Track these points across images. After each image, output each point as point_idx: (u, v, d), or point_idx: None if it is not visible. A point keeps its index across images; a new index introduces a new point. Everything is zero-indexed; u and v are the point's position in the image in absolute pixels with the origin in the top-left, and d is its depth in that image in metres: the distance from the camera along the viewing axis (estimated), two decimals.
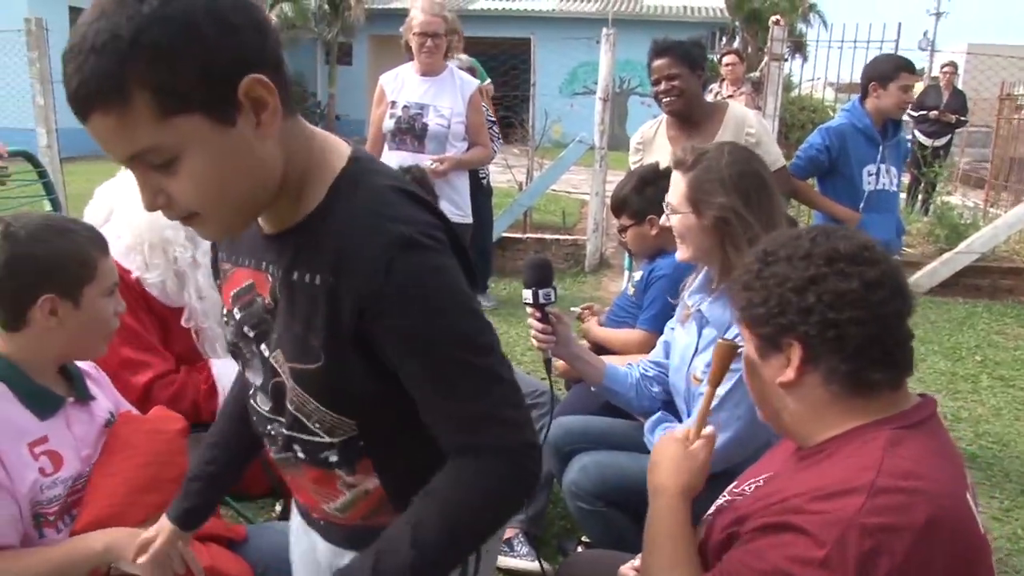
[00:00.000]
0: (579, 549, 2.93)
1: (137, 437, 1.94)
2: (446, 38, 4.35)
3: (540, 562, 2.53)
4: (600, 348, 2.93)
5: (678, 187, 2.21)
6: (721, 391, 2.13)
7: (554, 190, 10.53)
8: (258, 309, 1.28)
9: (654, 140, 3.71)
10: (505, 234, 7.91)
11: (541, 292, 2.19)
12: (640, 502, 2.24)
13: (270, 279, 1.24)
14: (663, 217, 2.29)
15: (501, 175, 9.92)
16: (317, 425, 1.26)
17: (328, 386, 1.20)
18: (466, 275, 1.22)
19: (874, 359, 1.31)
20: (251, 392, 1.39)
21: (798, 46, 17.25)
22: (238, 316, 1.33)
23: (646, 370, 2.49)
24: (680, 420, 2.34)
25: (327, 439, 1.27)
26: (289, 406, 1.26)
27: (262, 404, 1.35)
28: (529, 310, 2.24)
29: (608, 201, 4.43)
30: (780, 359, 1.37)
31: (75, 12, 17.47)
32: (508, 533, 2.95)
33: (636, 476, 2.27)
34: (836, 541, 1.17)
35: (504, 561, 2.84)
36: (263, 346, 1.28)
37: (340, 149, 1.23)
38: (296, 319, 1.20)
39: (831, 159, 4.14)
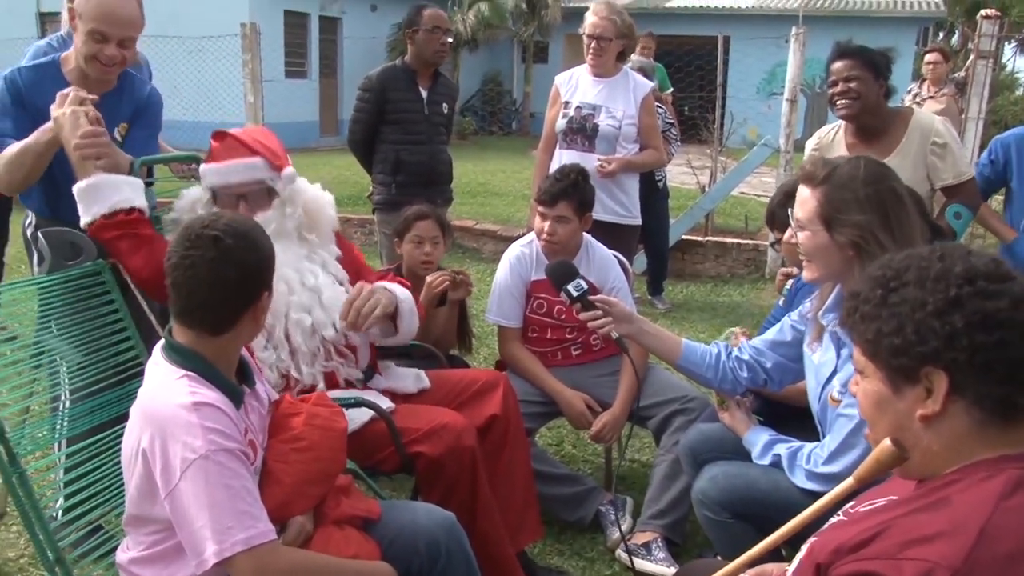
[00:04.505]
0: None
1: (310, 432, 2.02)
2: (617, 42, 4.35)
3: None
4: (781, 403, 2.78)
5: (807, 203, 2.12)
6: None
7: (741, 193, 10.31)
8: None
9: (831, 146, 3.57)
10: (685, 237, 7.80)
11: (570, 287, 2.45)
12: (767, 517, 2.22)
13: None
14: (787, 233, 2.22)
15: (686, 176, 9.81)
16: None
17: None
18: None
19: (1022, 381, 1.23)
20: None
21: None
22: None
23: (741, 352, 2.46)
24: (819, 437, 2.28)
25: None
26: None
27: None
28: (575, 308, 2.46)
29: None
30: (918, 391, 1.28)
31: (289, 15, 18.51)
32: (647, 537, 2.95)
33: (766, 490, 2.25)
34: None
35: (641, 565, 2.84)
36: None
37: None
38: None
39: (996, 172, 3.86)
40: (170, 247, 1.87)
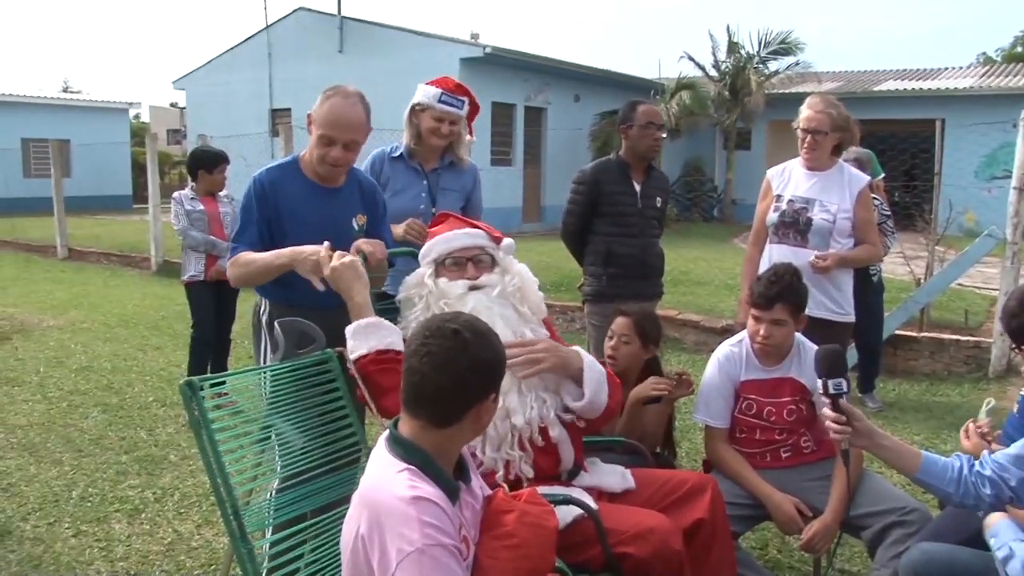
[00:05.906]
0: None
1: (521, 529, 2.03)
2: (833, 135, 4.26)
3: None
4: None
5: None
6: None
7: (959, 284, 9.72)
8: None
9: None
10: (898, 332, 7.41)
11: (831, 383, 2.31)
12: None
13: None
14: None
15: (898, 267, 9.37)
16: None
17: None
18: None
19: None
20: None
21: None
22: None
23: (983, 467, 2.27)
24: None
25: None
26: None
27: None
28: (824, 400, 2.34)
29: None
30: None
31: (497, 106, 19.21)
32: None
33: None
34: None
35: None
36: None
37: None
38: None
39: None
40: (409, 338, 1.97)
